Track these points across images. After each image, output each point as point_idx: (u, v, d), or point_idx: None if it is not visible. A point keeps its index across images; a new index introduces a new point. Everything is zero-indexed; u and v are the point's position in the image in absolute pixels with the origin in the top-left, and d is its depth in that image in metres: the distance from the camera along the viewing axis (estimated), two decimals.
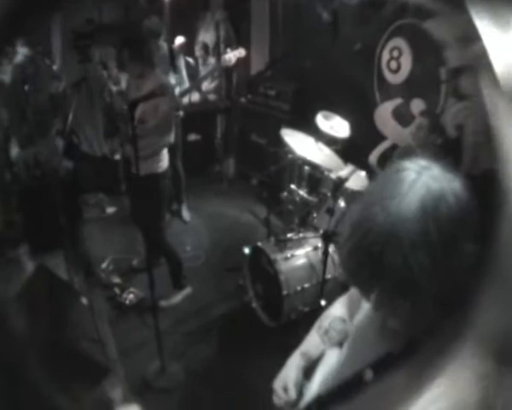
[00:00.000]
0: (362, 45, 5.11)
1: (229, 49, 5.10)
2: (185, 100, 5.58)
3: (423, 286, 1.06)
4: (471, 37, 0.81)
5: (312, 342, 1.78)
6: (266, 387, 1.78)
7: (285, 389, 1.70)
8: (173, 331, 4.03)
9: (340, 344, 1.67)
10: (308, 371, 1.73)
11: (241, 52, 5.41)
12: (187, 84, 5.47)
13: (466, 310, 1.14)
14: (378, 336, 1.34)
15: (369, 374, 1.26)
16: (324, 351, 1.71)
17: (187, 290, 4.46)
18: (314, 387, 1.62)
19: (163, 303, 4.24)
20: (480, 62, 0.80)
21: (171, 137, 4.06)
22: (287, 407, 1.69)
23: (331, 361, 1.63)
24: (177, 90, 5.04)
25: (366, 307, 1.46)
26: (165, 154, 4.08)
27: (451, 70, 4.37)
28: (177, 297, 4.40)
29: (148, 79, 3.89)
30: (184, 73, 5.59)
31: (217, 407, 3.41)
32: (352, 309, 1.69)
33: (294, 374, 1.72)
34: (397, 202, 1.07)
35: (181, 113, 5.20)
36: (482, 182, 0.97)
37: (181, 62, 5.58)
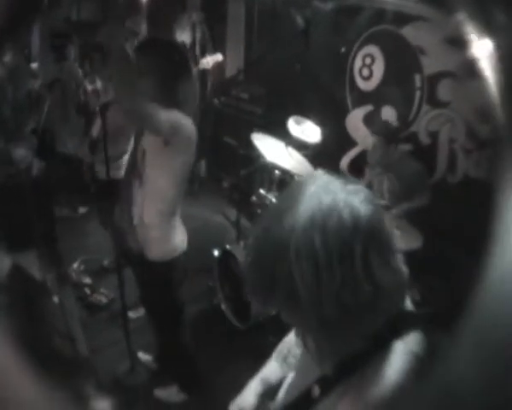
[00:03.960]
0: (323, 54, 5.19)
1: (207, 54, 5.15)
2: None
3: (306, 299, 1.07)
4: (458, 41, 0.79)
5: (271, 368, 1.77)
6: (234, 388, 1.76)
7: None
8: (143, 331, 4.07)
9: None
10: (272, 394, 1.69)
11: (218, 57, 5.45)
12: None
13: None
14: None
15: (316, 390, 1.28)
16: (283, 377, 1.67)
17: None
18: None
19: (131, 315, 4.09)
20: (467, 67, 0.79)
21: (128, 145, 4.07)
22: None
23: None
24: None
25: None
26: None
27: (427, 77, 4.43)
28: None
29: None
30: None
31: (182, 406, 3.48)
32: None
33: (252, 399, 1.69)
34: (289, 214, 1.08)
35: None
36: (460, 189, 0.97)
37: None
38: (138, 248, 2.95)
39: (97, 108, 3.85)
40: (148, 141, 2.79)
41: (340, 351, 1.23)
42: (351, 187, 1.12)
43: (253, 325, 3.87)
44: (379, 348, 1.18)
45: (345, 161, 5.22)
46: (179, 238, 2.99)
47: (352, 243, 1.04)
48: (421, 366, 1.16)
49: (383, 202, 3.89)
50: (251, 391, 1.71)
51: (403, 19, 4.46)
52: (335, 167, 4.96)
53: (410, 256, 3.49)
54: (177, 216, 2.98)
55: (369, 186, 4.28)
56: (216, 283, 4.24)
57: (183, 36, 6.90)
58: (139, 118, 2.60)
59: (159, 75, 2.63)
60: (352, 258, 1.04)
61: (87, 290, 4.49)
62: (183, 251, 3.00)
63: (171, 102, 2.66)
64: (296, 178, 4.19)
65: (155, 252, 2.91)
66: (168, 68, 2.66)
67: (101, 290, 4.48)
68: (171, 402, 3.63)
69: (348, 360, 1.21)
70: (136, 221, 2.92)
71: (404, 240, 3.59)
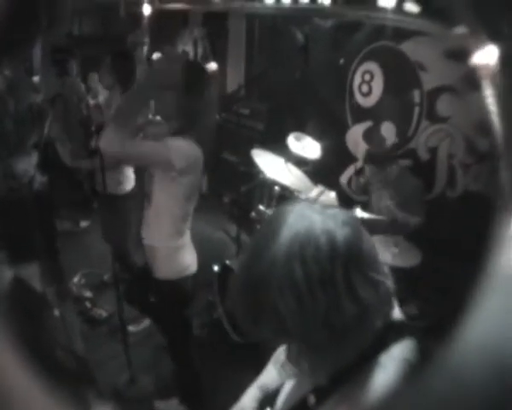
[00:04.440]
0: (323, 70, 5.24)
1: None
2: None
3: (293, 328, 1.10)
4: (458, 55, 0.81)
5: (269, 374, 1.78)
6: (234, 400, 1.77)
7: None
8: (143, 345, 4.11)
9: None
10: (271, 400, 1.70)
11: (212, 66, 5.50)
12: None
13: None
14: None
15: (312, 399, 1.31)
16: (281, 383, 1.67)
17: None
18: None
19: (132, 329, 4.19)
20: (466, 81, 0.79)
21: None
22: None
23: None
24: None
25: None
26: (128, 176, 4.16)
27: (427, 92, 4.49)
28: (146, 322, 4.34)
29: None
30: None
31: None
32: None
33: (250, 406, 1.72)
34: (269, 249, 1.11)
35: None
36: (459, 204, 0.96)
37: None
38: (145, 265, 3.04)
39: (93, 128, 3.88)
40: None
41: (332, 366, 1.25)
42: (327, 211, 1.16)
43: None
44: (371, 358, 1.21)
45: (345, 177, 5.26)
46: (188, 259, 3.01)
47: (331, 267, 1.07)
48: (414, 373, 1.19)
49: (381, 218, 3.93)
50: (249, 398, 1.74)
51: (402, 34, 4.50)
52: (335, 183, 4.99)
53: (409, 272, 3.53)
54: (187, 236, 3.01)
55: (368, 202, 4.33)
56: (216, 297, 4.25)
57: (186, 50, 6.97)
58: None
59: (178, 91, 2.62)
60: (334, 282, 1.07)
61: (88, 304, 4.52)
62: (192, 273, 3.02)
63: (188, 119, 2.67)
64: (296, 194, 4.23)
65: (163, 271, 2.94)
66: (187, 84, 2.63)
67: (102, 304, 4.51)
68: (141, 330, 3.98)
69: (341, 370, 1.24)
70: (144, 240, 2.96)
71: (402, 257, 3.63)
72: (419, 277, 3.61)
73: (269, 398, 1.69)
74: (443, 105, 4.37)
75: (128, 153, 2.50)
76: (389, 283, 1.21)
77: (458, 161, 4.29)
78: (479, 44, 0.78)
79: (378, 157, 4.38)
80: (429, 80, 4.46)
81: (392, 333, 1.24)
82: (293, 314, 1.08)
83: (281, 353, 1.77)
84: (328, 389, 1.27)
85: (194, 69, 2.80)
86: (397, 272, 3.49)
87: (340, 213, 1.17)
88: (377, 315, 1.17)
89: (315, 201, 3.92)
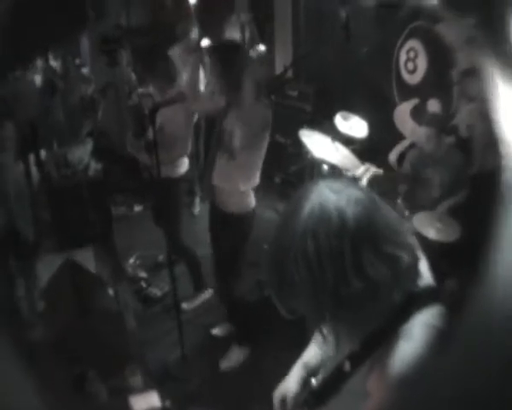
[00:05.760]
0: (368, 49, 5.23)
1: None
2: None
3: (306, 297, 1.21)
4: (475, 40, 0.81)
5: (311, 352, 1.84)
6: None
7: (283, 401, 1.77)
8: (195, 323, 4.23)
9: None
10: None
11: (260, 48, 5.55)
12: None
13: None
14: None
15: (347, 366, 1.38)
16: (323, 361, 1.75)
17: (208, 292, 4.60)
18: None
19: (185, 306, 4.38)
20: (484, 65, 0.78)
21: (187, 148, 4.24)
22: None
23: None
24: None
25: None
26: (184, 160, 4.26)
27: (461, 72, 4.48)
28: (199, 300, 4.55)
29: (169, 89, 4.05)
30: None
31: (234, 398, 3.59)
32: None
33: (294, 386, 1.77)
34: (290, 224, 1.22)
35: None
36: (490, 181, 0.98)
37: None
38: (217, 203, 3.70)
39: (146, 111, 3.99)
40: (234, 124, 3.37)
41: (361, 332, 1.34)
42: (344, 190, 1.23)
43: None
44: (399, 323, 1.27)
45: (393, 155, 5.23)
46: (252, 196, 3.68)
47: (340, 243, 1.16)
48: (442, 339, 1.24)
49: (433, 196, 3.94)
50: (293, 378, 1.80)
51: (436, 16, 4.49)
52: (384, 161, 4.98)
53: (449, 248, 3.54)
54: (256, 181, 3.65)
55: (417, 180, 4.32)
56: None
57: (233, 36, 7.01)
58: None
59: (233, 70, 3.30)
60: (342, 257, 1.16)
61: (143, 284, 4.68)
62: (253, 207, 3.68)
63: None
64: (343, 172, 4.25)
65: (235, 207, 3.62)
66: (238, 64, 3.34)
67: (157, 284, 4.67)
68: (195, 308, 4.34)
69: (371, 336, 1.31)
70: (221, 185, 3.60)
71: (445, 233, 3.64)
72: (460, 252, 3.62)
73: (314, 373, 1.75)
74: (474, 85, 4.35)
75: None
76: (410, 256, 1.26)
77: (491, 138, 4.26)
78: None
79: (440, 120, 4.48)
80: (461, 61, 4.45)
81: (419, 300, 1.30)
82: (305, 284, 1.19)
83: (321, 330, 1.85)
84: (361, 355, 1.34)
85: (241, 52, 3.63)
86: (441, 247, 3.48)
87: (356, 192, 1.24)
88: (393, 290, 1.23)
89: (360, 178, 3.97)
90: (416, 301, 1.29)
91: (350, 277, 1.15)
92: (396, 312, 1.27)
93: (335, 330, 1.42)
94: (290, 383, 1.79)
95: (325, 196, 1.21)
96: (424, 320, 1.26)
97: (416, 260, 1.29)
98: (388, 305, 1.25)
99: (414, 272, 1.29)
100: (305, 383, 1.76)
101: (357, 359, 1.36)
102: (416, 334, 1.24)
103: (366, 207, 1.21)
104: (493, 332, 0.71)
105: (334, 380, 1.46)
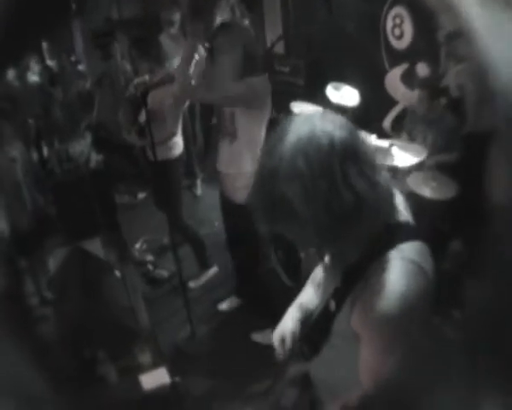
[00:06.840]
0: (355, 19, 5.29)
1: None
2: None
3: (302, 213, 1.26)
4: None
5: (307, 294, 1.89)
6: None
7: (283, 341, 1.79)
8: (202, 300, 4.36)
9: None
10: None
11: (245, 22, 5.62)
12: None
13: None
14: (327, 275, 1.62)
15: (332, 305, 1.47)
16: (318, 303, 1.78)
17: (213, 270, 4.70)
18: None
19: (192, 284, 4.51)
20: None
21: (177, 127, 4.28)
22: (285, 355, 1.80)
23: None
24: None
25: None
26: (177, 141, 4.31)
27: (448, 33, 4.51)
28: (205, 277, 4.65)
29: (157, 73, 4.10)
30: None
31: (243, 372, 3.65)
32: None
33: (290, 325, 1.80)
34: (277, 148, 1.29)
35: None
36: (486, 139, 1.02)
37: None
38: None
39: (138, 94, 4.05)
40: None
41: (338, 268, 1.45)
42: (328, 117, 1.35)
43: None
44: (376, 256, 1.35)
45: (387, 121, 5.28)
46: None
47: (329, 159, 1.24)
48: (422, 275, 1.33)
49: (424, 155, 4.00)
50: (289, 317, 1.85)
51: None
52: (378, 128, 5.03)
53: (446, 205, 3.59)
54: None
55: (412, 141, 4.39)
56: (270, 248, 4.41)
57: (224, 18, 7.03)
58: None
59: (238, 51, 3.33)
60: (331, 171, 1.24)
61: (150, 266, 4.82)
62: None
63: (248, 70, 3.34)
64: None
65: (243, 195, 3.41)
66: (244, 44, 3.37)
67: (163, 265, 4.81)
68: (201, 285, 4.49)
69: (351, 268, 1.40)
70: (226, 171, 3.67)
71: (440, 191, 3.71)
72: (457, 210, 3.68)
73: (309, 316, 1.81)
74: (462, 46, 4.37)
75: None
76: (385, 186, 1.35)
77: (481, 97, 4.30)
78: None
79: (430, 82, 4.57)
80: (446, 24, 4.45)
81: (396, 233, 1.40)
82: (300, 199, 1.25)
83: (317, 273, 1.91)
84: (343, 291, 1.43)
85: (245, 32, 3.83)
86: (439, 205, 3.51)
87: (339, 119, 1.34)
88: (377, 210, 1.31)
89: None
90: (392, 233, 1.38)
91: (340, 187, 1.23)
92: (373, 242, 1.35)
93: (321, 258, 1.51)
94: (287, 322, 1.83)
95: (311, 122, 1.30)
96: (402, 255, 1.34)
97: (390, 191, 1.39)
98: (368, 232, 1.34)
99: (390, 201, 1.39)
100: (300, 324, 1.81)
101: (340, 295, 1.44)
102: (393, 266, 1.32)
103: (349, 132, 1.31)
104: None
105: (322, 322, 1.55)
